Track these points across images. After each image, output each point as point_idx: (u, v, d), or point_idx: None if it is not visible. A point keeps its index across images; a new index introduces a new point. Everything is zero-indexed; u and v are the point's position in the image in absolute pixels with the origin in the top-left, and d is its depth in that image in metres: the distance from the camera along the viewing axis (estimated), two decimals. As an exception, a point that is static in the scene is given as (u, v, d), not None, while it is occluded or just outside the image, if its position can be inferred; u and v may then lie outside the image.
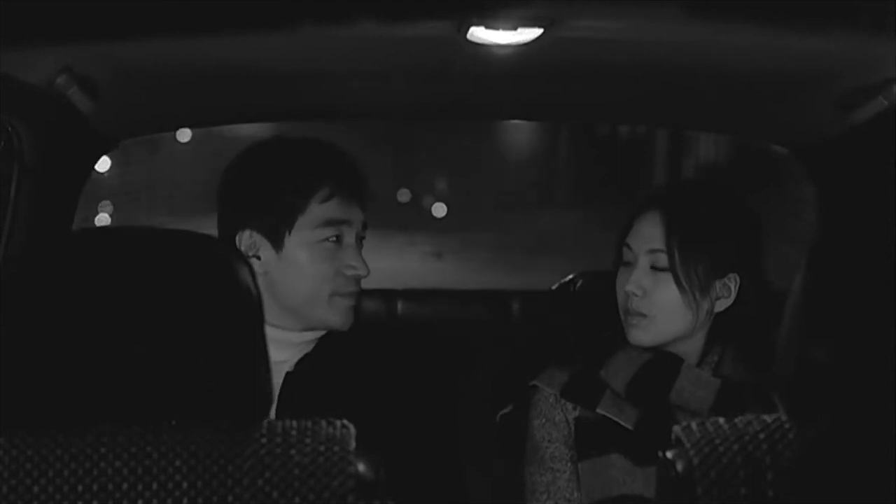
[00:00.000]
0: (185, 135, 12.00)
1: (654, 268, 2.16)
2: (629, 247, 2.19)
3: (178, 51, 1.97)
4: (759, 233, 2.22)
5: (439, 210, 13.65)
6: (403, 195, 13.91)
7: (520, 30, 1.81)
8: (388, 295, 2.86)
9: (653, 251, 2.16)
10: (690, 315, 2.15)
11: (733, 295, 2.17)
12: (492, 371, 2.61)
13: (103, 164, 11.81)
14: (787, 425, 1.35)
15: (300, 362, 2.17)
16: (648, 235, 2.17)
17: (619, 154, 13.51)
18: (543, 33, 1.80)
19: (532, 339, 2.59)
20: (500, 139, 13.89)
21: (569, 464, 2.21)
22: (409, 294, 2.89)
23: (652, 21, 1.77)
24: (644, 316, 2.15)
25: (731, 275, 2.17)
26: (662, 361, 2.18)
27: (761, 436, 1.34)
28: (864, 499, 1.25)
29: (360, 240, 2.19)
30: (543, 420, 2.24)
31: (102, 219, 10.62)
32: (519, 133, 14.01)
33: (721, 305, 2.18)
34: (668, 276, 2.14)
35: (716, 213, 2.18)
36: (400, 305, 2.84)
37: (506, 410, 2.37)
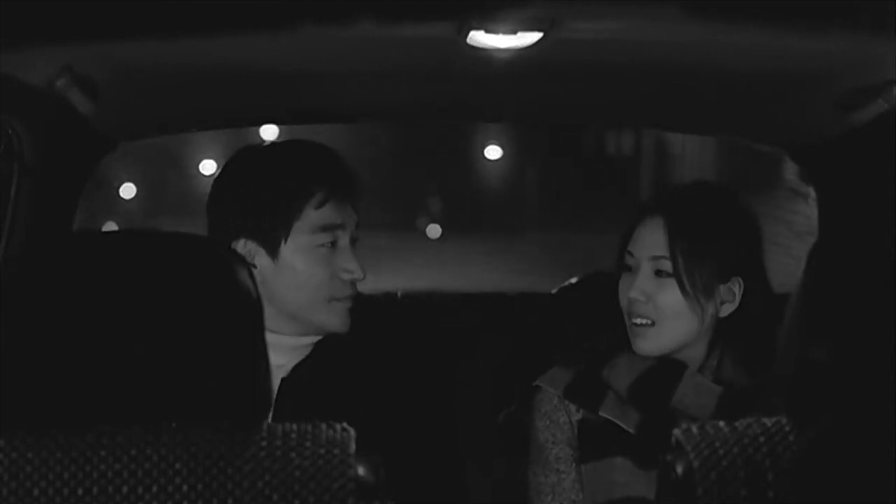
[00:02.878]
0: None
1: (657, 273, 2.15)
2: (631, 253, 2.19)
3: (178, 51, 1.96)
4: (760, 235, 2.22)
5: (434, 231, 13.48)
6: (433, 230, 13.57)
7: (520, 34, 1.80)
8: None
9: (656, 257, 2.15)
10: (696, 320, 2.15)
11: (737, 299, 2.17)
12: (493, 362, 2.60)
13: (128, 191, 11.74)
14: (786, 427, 1.35)
15: (296, 368, 2.16)
16: (651, 242, 2.16)
17: (607, 168, 13.37)
18: (543, 36, 1.80)
19: (533, 328, 2.58)
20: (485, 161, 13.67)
21: (573, 465, 2.21)
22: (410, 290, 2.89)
23: (652, 21, 1.77)
24: (650, 322, 2.15)
25: (734, 279, 2.16)
26: (665, 367, 2.17)
27: (761, 438, 1.34)
28: (864, 499, 1.25)
29: (353, 241, 2.18)
30: (547, 421, 2.23)
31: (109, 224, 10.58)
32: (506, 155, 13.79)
33: (726, 310, 2.17)
34: (672, 282, 2.14)
35: (718, 217, 2.18)
36: (400, 293, 2.83)
37: (509, 410, 2.36)
